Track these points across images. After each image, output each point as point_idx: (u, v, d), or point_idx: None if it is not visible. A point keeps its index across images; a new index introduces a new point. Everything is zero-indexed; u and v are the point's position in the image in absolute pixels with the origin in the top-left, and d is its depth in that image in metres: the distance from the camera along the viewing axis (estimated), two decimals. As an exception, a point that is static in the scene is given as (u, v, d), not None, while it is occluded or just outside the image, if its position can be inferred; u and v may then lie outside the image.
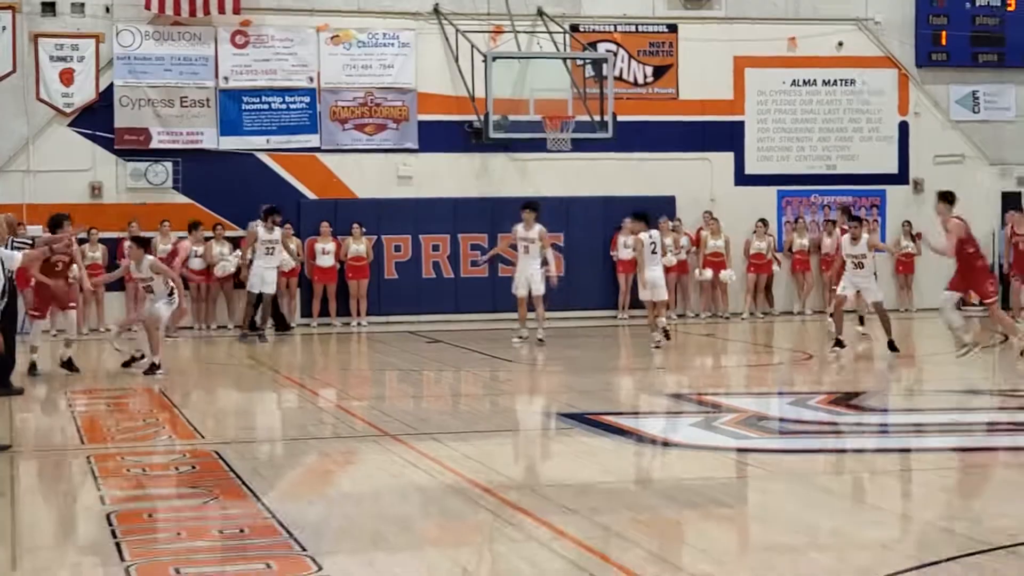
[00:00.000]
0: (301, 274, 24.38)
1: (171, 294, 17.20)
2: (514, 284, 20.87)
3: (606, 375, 17.49)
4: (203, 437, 12.37)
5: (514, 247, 21.11)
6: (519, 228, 20.62)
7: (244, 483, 10.07)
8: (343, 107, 25.15)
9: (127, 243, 18.46)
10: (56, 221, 17.15)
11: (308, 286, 24.46)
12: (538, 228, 20.53)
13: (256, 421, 14.09)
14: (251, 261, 22.18)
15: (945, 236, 17.34)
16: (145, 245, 18.11)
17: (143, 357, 17.28)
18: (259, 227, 22.19)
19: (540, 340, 20.21)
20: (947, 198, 17.77)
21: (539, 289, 20.58)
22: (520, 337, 20.58)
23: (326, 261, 24.33)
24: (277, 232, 22.31)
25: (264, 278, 22.03)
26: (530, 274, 20.54)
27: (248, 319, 22.36)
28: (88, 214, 23.83)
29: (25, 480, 10.71)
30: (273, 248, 22.12)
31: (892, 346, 18.45)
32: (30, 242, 16.68)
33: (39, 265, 16.40)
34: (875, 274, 19.61)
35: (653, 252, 19.84)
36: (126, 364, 17.51)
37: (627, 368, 18.83)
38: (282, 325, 23.39)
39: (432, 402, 15.59)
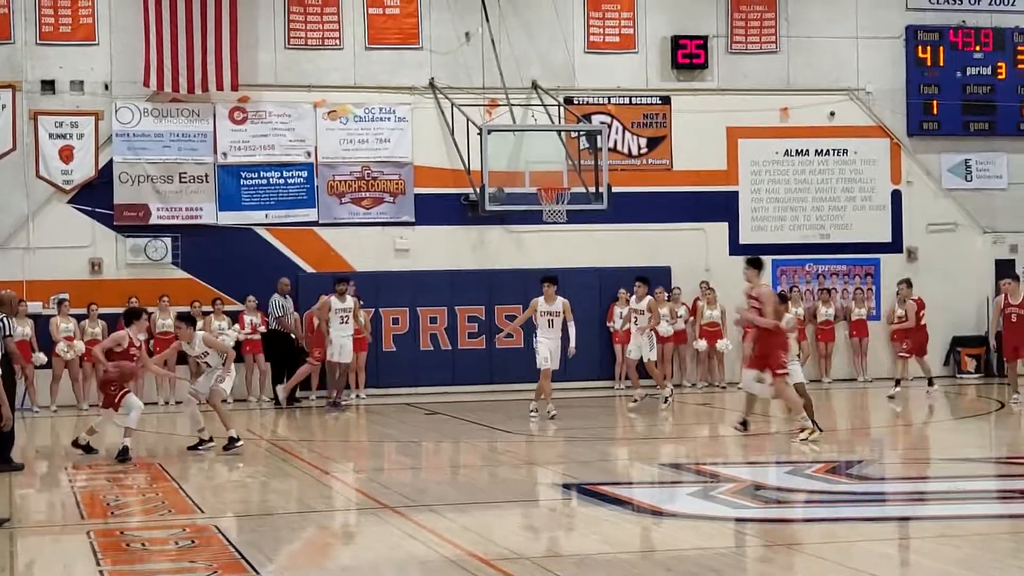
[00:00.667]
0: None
1: (224, 364, 17.21)
2: (540, 357, 20.46)
3: (604, 445, 17.53)
4: (202, 511, 12.40)
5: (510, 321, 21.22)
6: (540, 301, 20.48)
7: (243, 557, 10.10)
8: (340, 181, 25.34)
9: (177, 322, 18.14)
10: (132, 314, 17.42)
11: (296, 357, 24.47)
12: (561, 301, 20.45)
13: (255, 495, 14.11)
14: (328, 331, 22.81)
15: (761, 307, 16.97)
16: (193, 322, 17.90)
17: (211, 439, 17.05)
18: (332, 297, 22.73)
19: (552, 415, 20.16)
20: (756, 264, 17.77)
21: (555, 364, 20.53)
22: (535, 411, 20.28)
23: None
24: (349, 301, 22.90)
25: (343, 347, 22.71)
26: (553, 348, 20.35)
27: (339, 390, 22.98)
28: (87, 290, 23.99)
29: (24, 556, 10.74)
30: (348, 316, 22.82)
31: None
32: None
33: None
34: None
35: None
36: (193, 448, 17.21)
37: (625, 438, 18.86)
38: (291, 399, 23.54)
39: (430, 473, 15.63)
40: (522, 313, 21.72)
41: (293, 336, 23.85)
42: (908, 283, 24.07)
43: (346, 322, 22.87)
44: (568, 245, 25.68)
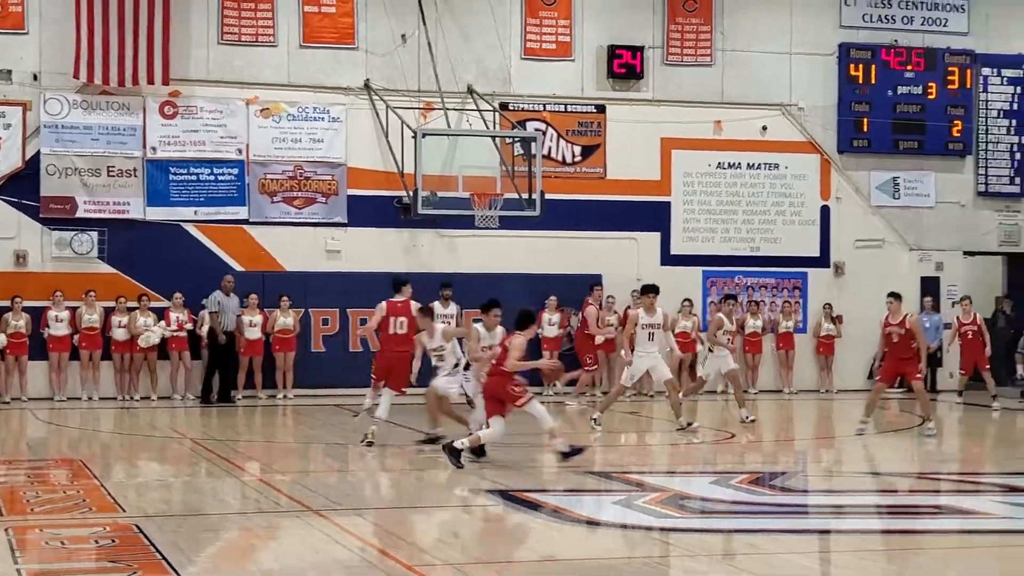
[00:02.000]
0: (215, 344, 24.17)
1: (456, 365, 16.99)
2: (627, 374, 19.52)
3: (532, 452, 17.51)
4: (124, 510, 12.27)
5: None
6: (641, 314, 19.41)
7: (164, 558, 10.00)
8: (272, 180, 25.20)
9: (418, 313, 17.40)
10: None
11: (235, 358, 24.32)
12: (661, 312, 19.48)
13: (177, 494, 13.98)
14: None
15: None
16: (432, 314, 17.58)
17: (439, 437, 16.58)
18: (435, 303, 22.57)
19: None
20: (654, 290, 18.81)
21: (666, 374, 19.57)
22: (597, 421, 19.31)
23: (253, 333, 24.27)
24: (452, 307, 23.04)
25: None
26: (652, 363, 19.32)
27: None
28: (12, 283, 23.73)
29: (-59, 552, 10.57)
30: (449, 323, 22.58)
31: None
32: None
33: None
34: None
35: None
36: (429, 441, 16.74)
37: (551, 445, 18.83)
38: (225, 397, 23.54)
39: (357, 476, 15.56)
40: (623, 327, 21.64)
41: (219, 335, 23.66)
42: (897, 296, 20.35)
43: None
44: (500, 251, 25.69)
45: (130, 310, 24.03)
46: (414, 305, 17.63)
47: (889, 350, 19.22)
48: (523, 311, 16.01)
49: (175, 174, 24.83)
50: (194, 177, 24.92)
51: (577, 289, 25.62)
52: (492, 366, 15.50)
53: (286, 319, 24.46)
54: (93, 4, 24.12)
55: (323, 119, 25.45)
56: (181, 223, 24.84)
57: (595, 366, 25.07)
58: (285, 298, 24.50)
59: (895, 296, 19.49)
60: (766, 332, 26.84)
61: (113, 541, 10.86)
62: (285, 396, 24.31)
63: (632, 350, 19.36)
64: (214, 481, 14.93)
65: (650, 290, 19.40)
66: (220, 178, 25.02)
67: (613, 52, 26.57)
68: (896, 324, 18.97)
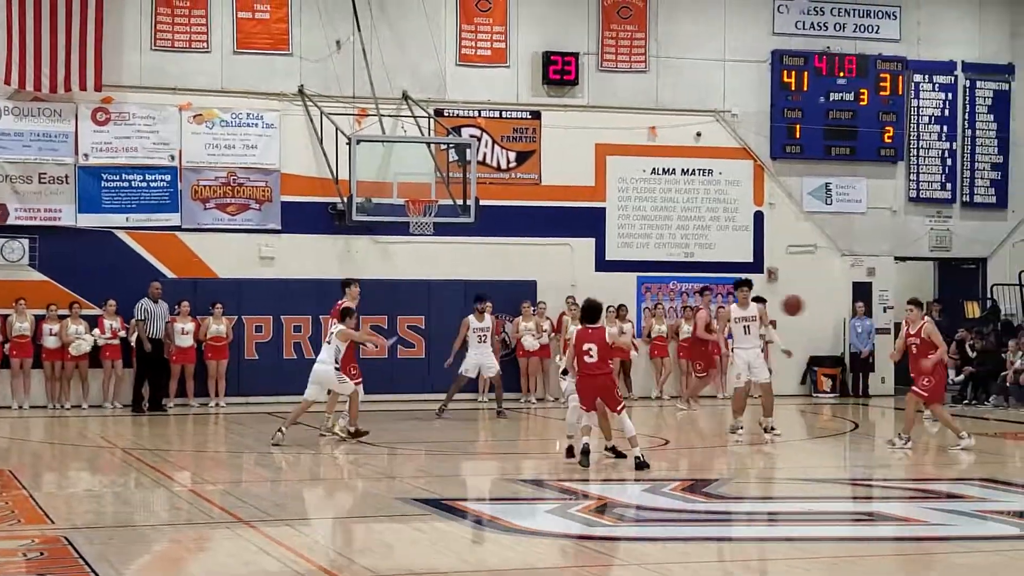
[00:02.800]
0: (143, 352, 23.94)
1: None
2: (735, 370, 19.30)
3: (466, 460, 17.52)
4: (53, 522, 12.14)
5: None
6: (734, 308, 19.24)
7: (93, 571, 9.90)
8: (205, 186, 25.05)
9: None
10: None
11: (165, 365, 24.13)
12: (755, 307, 19.18)
13: (107, 505, 13.84)
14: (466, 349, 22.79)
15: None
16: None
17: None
18: (471, 316, 22.78)
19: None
20: (747, 284, 18.76)
21: (763, 376, 19.21)
22: (738, 429, 19.37)
23: (185, 341, 24.07)
24: (488, 320, 22.83)
25: (483, 364, 22.65)
26: (751, 358, 19.08)
27: (449, 399, 22.79)
28: (-60, 290, 23.43)
29: None
30: (485, 336, 22.73)
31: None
32: None
33: None
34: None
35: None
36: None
37: (487, 453, 18.86)
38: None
39: (288, 486, 15.47)
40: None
41: (144, 343, 23.43)
42: (918, 304, 19.24)
43: (483, 341, 22.72)
44: (435, 257, 25.67)
45: (61, 318, 23.80)
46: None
47: (911, 361, 18.28)
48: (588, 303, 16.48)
49: (107, 181, 24.63)
50: (126, 184, 24.72)
51: (512, 296, 25.60)
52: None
53: (218, 326, 24.30)
54: (25, 9, 23.89)
55: (257, 125, 25.33)
56: (113, 230, 24.63)
57: (705, 372, 24.35)
58: (218, 305, 24.34)
59: (915, 304, 18.47)
60: (700, 337, 26.89)
61: (42, 554, 10.74)
62: (218, 404, 24.14)
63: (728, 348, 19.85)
64: (144, 492, 14.81)
65: (744, 284, 19.35)
66: (152, 184, 24.84)
67: (548, 58, 26.62)
68: (914, 335, 18.05)
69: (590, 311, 16.19)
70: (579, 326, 16.33)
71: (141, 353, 23.54)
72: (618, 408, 16.09)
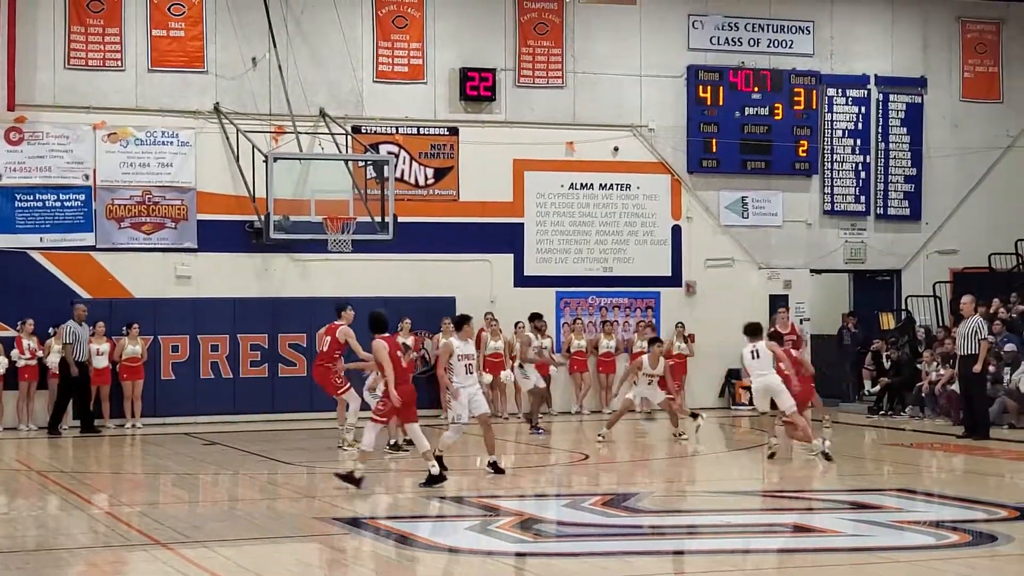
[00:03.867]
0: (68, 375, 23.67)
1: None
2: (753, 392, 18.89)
3: (386, 477, 17.44)
4: (-35, 548, 11.96)
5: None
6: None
7: (6, 597, 9.77)
8: (120, 205, 24.82)
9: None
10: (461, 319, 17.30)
11: (83, 386, 23.81)
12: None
13: (24, 529, 13.64)
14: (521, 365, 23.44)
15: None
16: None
17: None
18: (528, 331, 24.10)
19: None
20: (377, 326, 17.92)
21: (788, 405, 18.35)
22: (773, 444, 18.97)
23: (100, 362, 23.78)
24: (546, 341, 24.12)
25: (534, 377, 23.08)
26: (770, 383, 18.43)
27: (535, 413, 23.05)
28: None
29: None
30: (543, 353, 23.94)
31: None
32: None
33: None
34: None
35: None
36: None
37: (407, 470, 18.79)
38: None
39: (206, 507, 15.34)
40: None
41: (71, 366, 23.17)
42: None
43: (540, 355, 23.84)
44: (354, 274, 25.59)
45: (-26, 339, 23.46)
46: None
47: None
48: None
49: (21, 200, 24.35)
50: (40, 203, 24.45)
51: (431, 312, 25.56)
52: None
53: (134, 347, 24.05)
54: (-65, 27, 23.58)
55: (172, 143, 25.14)
56: (27, 250, 24.34)
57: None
58: (135, 326, 24.08)
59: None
60: (619, 352, 27.04)
61: (-48, 581, 10.57)
62: (134, 425, 23.88)
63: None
64: (61, 515, 14.61)
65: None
66: (67, 204, 24.57)
67: (465, 75, 26.65)
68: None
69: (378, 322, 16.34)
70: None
71: (66, 376, 23.22)
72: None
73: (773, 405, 18.55)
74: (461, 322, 17.31)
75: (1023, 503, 14.51)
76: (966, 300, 21.68)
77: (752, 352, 18.54)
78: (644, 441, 22.78)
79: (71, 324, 23.32)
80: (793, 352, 19.67)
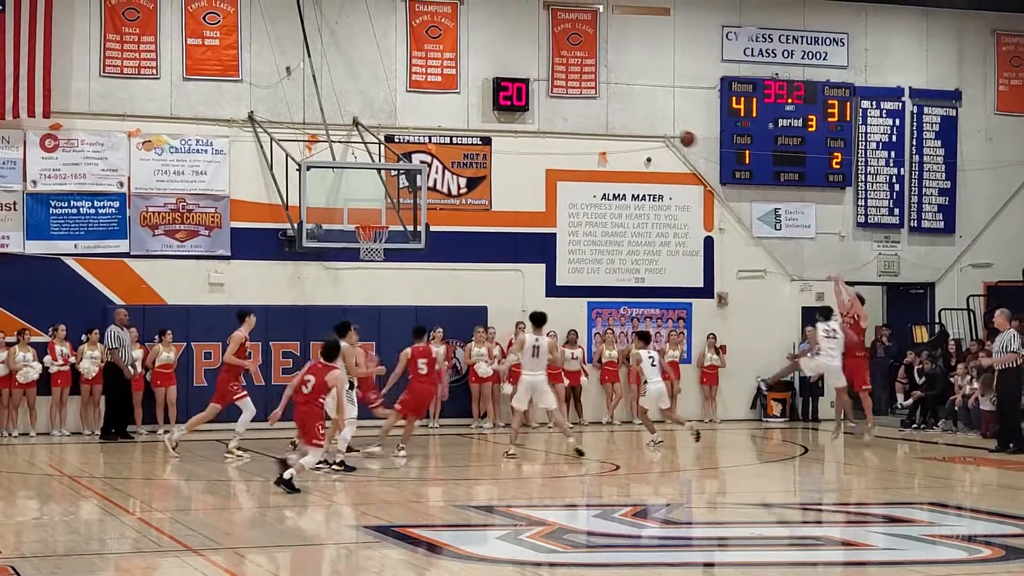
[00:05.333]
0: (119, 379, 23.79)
1: None
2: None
3: (415, 486, 17.47)
4: (0, 551, 12.03)
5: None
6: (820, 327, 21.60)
7: (38, 601, 9.81)
8: (154, 212, 24.93)
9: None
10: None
11: (129, 391, 23.92)
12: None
13: (56, 534, 13.71)
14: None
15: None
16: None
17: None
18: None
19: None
20: (341, 332, 19.08)
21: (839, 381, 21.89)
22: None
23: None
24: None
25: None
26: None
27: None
28: None
29: None
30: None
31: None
32: None
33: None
34: None
35: (652, 365, 21.11)
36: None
37: (437, 479, 18.83)
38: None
39: (237, 514, 15.38)
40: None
41: (125, 370, 23.34)
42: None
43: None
44: (385, 283, 25.65)
45: (9, 345, 23.59)
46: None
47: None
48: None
49: (56, 207, 24.49)
50: (75, 210, 24.58)
51: (463, 321, 25.59)
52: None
53: (168, 354, 24.14)
54: (-29, 36, 23.76)
55: (206, 151, 25.24)
56: (61, 257, 24.48)
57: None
58: (168, 332, 24.18)
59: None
60: (651, 363, 26.94)
61: (-14, 585, 10.63)
62: (166, 432, 23.91)
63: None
64: (93, 520, 14.68)
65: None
66: (101, 211, 24.70)
67: (498, 84, 26.69)
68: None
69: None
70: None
71: (117, 380, 23.35)
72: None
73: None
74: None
75: (1057, 518, 14.43)
76: (999, 314, 21.55)
77: (827, 332, 21.15)
78: (675, 451, 22.72)
79: (114, 329, 23.44)
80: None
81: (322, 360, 16.56)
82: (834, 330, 21.56)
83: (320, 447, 16.32)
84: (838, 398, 22.65)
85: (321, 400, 16.21)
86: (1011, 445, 20.90)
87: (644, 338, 21.98)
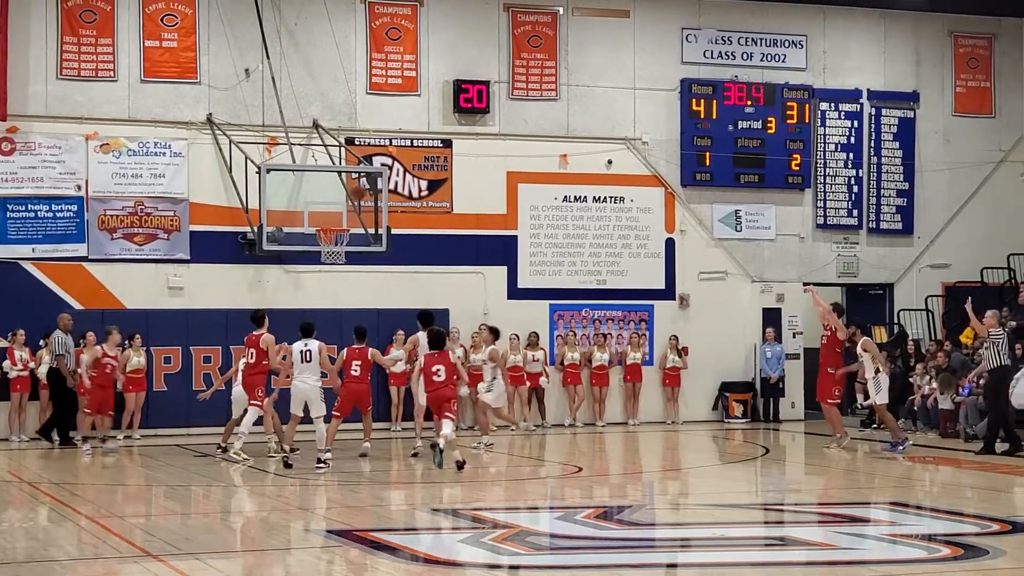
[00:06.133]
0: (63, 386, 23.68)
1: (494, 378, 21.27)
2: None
3: (377, 490, 17.43)
4: (-44, 559, 11.91)
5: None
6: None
7: (-4, 609, 9.72)
8: (112, 216, 24.78)
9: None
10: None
11: (74, 398, 23.77)
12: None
13: (15, 540, 13.59)
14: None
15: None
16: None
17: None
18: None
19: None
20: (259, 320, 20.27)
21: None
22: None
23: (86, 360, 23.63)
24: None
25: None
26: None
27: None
28: None
29: None
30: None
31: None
32: None
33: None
34: None
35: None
36: None
37: (399, 482, 18.78)
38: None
39: (198, 519, 15.29)
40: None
41: (67, 377, 23.14)
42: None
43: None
44: (347, 286, 25.58)
45: (-33, 350, 23.40)
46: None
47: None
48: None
49: (12, 211, 24.32)
50: (32, 214, 24.41)
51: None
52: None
53: (139, 359, 23.90)
54: (-74, 38, 23.56)
55: (164, 154, 25.12)
56: (19, 261, 24.30)
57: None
58: (137, 337, 23.96)
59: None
60: (613, 365, 27.03)
61: (-57, 593, 10.52)
62: (127, 437, 23.77)
63: None
64: (52, 526, 14.57)
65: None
66: (59, 215, 24.54)
67: (459, 87, 26.66)
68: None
69: (437, 338, 19.35)
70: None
71: (60, 386, 23.17)
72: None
73: None
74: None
75: (1015, 517, 14.52)
76: (990, 315, 21.29)
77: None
78: (637, 453, 22.75)
79: (58, 335, 23.27)
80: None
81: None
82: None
83: (453, 420, 18.75)
84: (883, 416, 22.23)
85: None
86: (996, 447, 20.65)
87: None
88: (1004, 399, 20.75)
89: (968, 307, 21.31)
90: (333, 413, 19.68)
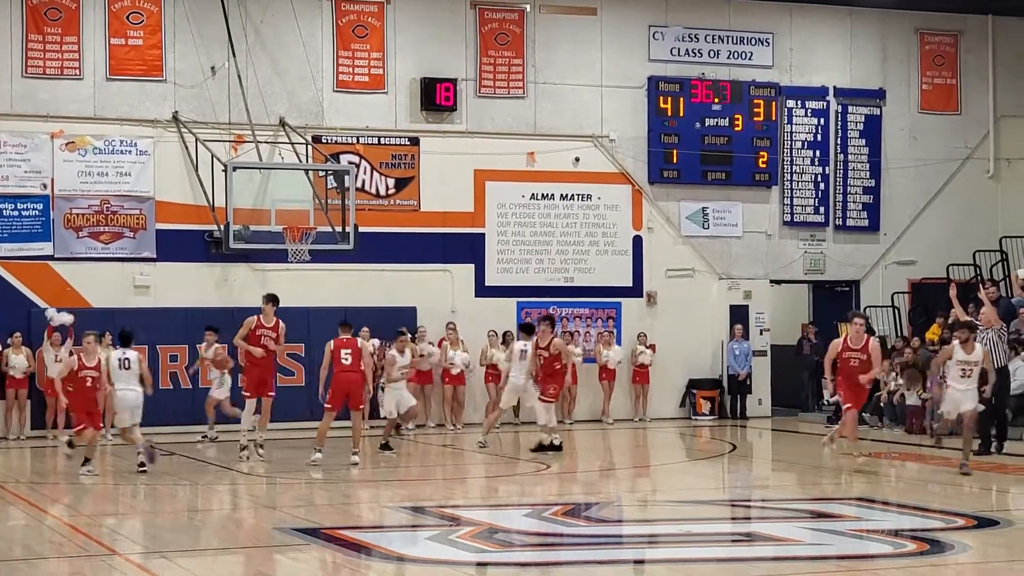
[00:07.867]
0: (32, 386, 23.60)
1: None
2: (945, 409, 18.58)
3: (346, 487, 17.39)
4: (-80, 560, 11.84)
5: None
6: (956, 348, 18.56)
7: (-39, 609, 9.67)
8: (78, 215, 24.66)
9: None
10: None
11: (40, 398, 23.66)
12: (980, 349, 18.07)
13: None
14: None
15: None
16: None
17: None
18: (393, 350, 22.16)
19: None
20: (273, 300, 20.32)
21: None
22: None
23: (56, 369, 23.49)
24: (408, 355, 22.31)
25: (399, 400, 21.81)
26: (960, 399, 18.01)
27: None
28: None
29: None
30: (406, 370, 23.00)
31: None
32: None
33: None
34: None
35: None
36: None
37: (367, 480, 18.75)
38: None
39: (164, 518, 15.23)
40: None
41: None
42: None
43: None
44: (314, 284, 25.50)
45: (-69, 350, 23.24)
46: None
47: (847, 375, 18.44)
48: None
49: (-23, 209, 24.19)
50: (-3, 212, 24.29)
51: (392, 322, 25.45)
52: None
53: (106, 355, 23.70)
54: None
55: (130, 152, 25.00)
56: (-16, 259, 24.19)
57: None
58: (107, 334, 23.79)
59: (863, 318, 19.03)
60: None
61: (-94, 593, 10.45)
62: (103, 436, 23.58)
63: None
64: (18, 525, 14.49)
65: (967, 327, 18.23)
66: (24, 213, 24.40)
67: (426, 85, 26.62)
68: (859, 349, 18.35)
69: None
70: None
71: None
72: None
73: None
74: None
75: (980, 512, 14.60)
76: (987, 310, 20.84)
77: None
78: (607, 451, 22.78)
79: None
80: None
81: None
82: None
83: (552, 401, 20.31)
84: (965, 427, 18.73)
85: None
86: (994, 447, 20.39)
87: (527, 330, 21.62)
88: (1004, 399, 20.75)
89: (952, 293, 20.88)
90: (324, 407, 19.32)
